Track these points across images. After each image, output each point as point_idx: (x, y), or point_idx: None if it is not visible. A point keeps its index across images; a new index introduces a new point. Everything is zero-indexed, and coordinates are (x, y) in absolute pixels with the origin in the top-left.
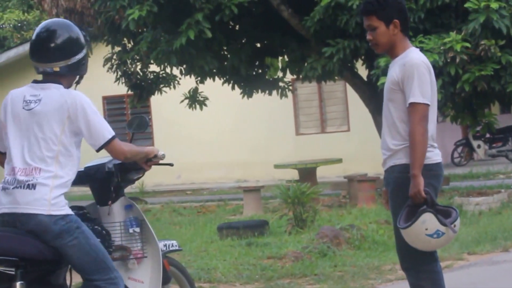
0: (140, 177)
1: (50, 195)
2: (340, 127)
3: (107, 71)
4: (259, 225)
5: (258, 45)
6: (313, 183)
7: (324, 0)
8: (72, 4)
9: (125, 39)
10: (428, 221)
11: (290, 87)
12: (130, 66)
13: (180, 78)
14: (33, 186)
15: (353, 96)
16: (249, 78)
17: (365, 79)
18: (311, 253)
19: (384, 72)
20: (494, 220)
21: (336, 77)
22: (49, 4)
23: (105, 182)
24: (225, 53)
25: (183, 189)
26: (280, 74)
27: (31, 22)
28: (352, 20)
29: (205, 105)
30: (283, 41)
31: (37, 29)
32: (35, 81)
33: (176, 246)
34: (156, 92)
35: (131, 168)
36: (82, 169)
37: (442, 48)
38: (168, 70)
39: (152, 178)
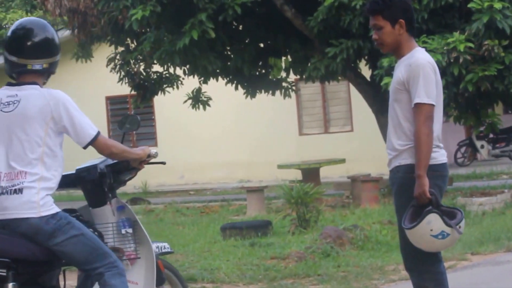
0: (132, 177)
1: (38, 196)
2: (343, 127)
3: (110, 71)
4: (262, 225)
5: (262, 45)
6: (316, 183)
7: (328, 0)
8: (75, 4)
9: (128, 39)
10: (433, 222)
11: (294, 87)
12: (133, 66)
13: (183, 78)
14: (19, 191)
15: (356, 96)
16: (253, 78)
17: (369, 79)
18: (314, 253)
19: (388, 72)
20: (498, 221)
21: (339, 77)
22: (52, 4)
23: (98, 184)
24: (229, 53)
25: (186, 189)
26: (283, 74)
27: None
28: (356, 20)
29: (209, 105)
30: (287, 41)
31: (17, 26)
32: (10, 84)
33: (168, 248)
34: (160, 92)
35: (123, 168)
36: (74, 172)
37: (445, 48)
38: (171, 70)
39: (155, 178)
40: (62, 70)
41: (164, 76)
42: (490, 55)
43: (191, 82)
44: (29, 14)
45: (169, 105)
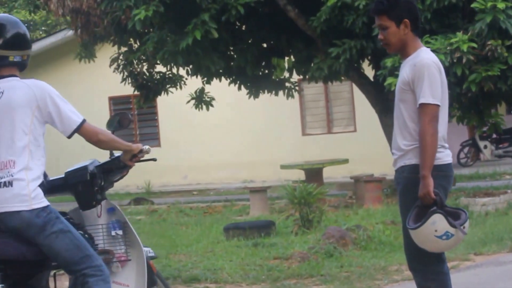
0: (122, 177)
1: (29, 188)
2: (346, 127)
3: (114, 71)
4: (266, 225)
5: (265, 45)
6: (319, 183)
7: (331, 0)
8: (78, 4)
9: (131, 39)
10: (437, 222)
11: (297, 88)
12: (136, 66)
13: (186, 79)
14: (9, 184)
15: (359, 96)
16: (256, 79)
17: (372, 79)
18: (317, 253)
19: (391, 73)
20: (501, 221)
21: (342, 78)
22: (56, 4)
23: (88, 185)
24: (232, 53)
25: (190, 190)
26: (286, 74)
27: (37, 22)
28: (359, 20)
29: (212, 105)
30: (290, 41)
31: None
32: None
33: (151, 253)
34: (163, 92)
35: (114, 168)
36: (62, 176)
37: (448, 48)
38: (174, 70)
39: (158, 178)
40: (65, 70)
41: (167, 76)
42: (493, 55)
43: (194, 82)
44: (32, 14)
45: (172, 106)
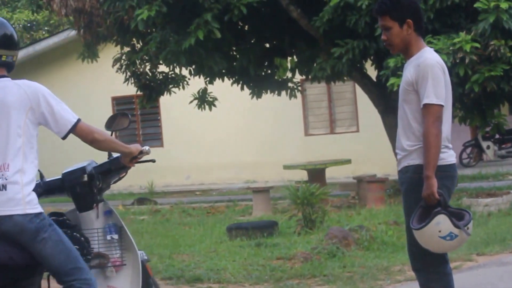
0: (120, 178)
1: (23, 193)
2: (349, 127)
3: (116, 71)
4: (268, 225)
5: (267, 45)
6: (322, 184)
7: (333, 0)
8: (81, 4)
9: (134, 39)
10: (442, 223)
11: (299, 88)
12: (139, 66)
13: (189, 79)
14: (3, 187)
15: (362, 96)
16: (258, 79)
17: (375, 79)
18: (320, 254)
19: (394, 73)
20: (503, 221)
21: (345, 78)
22: (58, 4)
23: (86, 187)
24: (234, 53)
25: (193, 190)
26: (289, 74)
27: (40, 22)
28: (361, 20)
29: (214, 105)
30: (292, 41)
31: None
32: None
33: (145, 256)
34: (165, 92)
35: (112, 169)
36: (59, 177)
37: (451, 48)
38: (177, 70)
39: (161, 178)
40: (68, 70)
41: (170, 76)
42: (496, 55)
43: (197, 83)
44: (35, 14)
45: (175, 106)
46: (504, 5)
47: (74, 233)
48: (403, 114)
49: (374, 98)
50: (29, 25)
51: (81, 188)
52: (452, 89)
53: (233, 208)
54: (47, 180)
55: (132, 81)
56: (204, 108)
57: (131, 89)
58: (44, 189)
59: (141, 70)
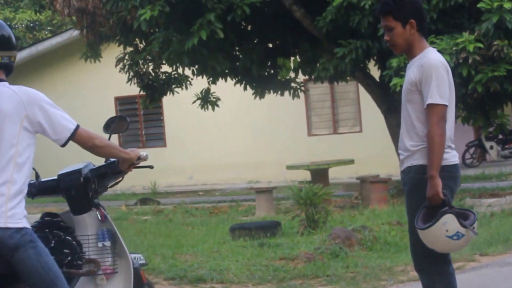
0: (117, 183)
1: (7, 206)
2: (352, 128)
3: (119, 71)
4: (271, 226)
5: (270, 45)
6: (325, 184)
7: (336, 0)
8: (84, 4)
9: (137, 39)
10: (449, 222)
11: (302, 88)
12: (142, 66)
13: (192, 79)
14: None
15: (365, 96)
16: (261, 79)
17: (378, 79)
18: (323, 254)
19: (397, 73)
20: (506, 222)
21: (348, 78)
22: (61, 4)
23: (82, 189)
24: (237, 53)
25: (195, 190)
26: (292, 74)
27: (43, 22)
28: (365, 20)
29: (217, 105)
30: (295, 41)
31: None
32: None
33: (142, 260)
34: (168, 92)
35: (110, 171)
36: (55, 178)
37: (454, 48)
38: (180, 70)
39: (164, 179)
40: (71, 70)
41: (172, 76)
42: (499, 56)
43: (199, 83)
44: (38, 14)
45: (178, 106)
46: (507, 5)
47: (66, 237)
48: (406, 114)
49: (377, 98)
50: (32, 25)
51: (76, 191)
52: (455, 89)
53: (236, 208)
54: (42, 180)
55: (135, 81)
56: (207, 108)
57: (134, 89)
58: (39, 190)
59: (144, 70)
